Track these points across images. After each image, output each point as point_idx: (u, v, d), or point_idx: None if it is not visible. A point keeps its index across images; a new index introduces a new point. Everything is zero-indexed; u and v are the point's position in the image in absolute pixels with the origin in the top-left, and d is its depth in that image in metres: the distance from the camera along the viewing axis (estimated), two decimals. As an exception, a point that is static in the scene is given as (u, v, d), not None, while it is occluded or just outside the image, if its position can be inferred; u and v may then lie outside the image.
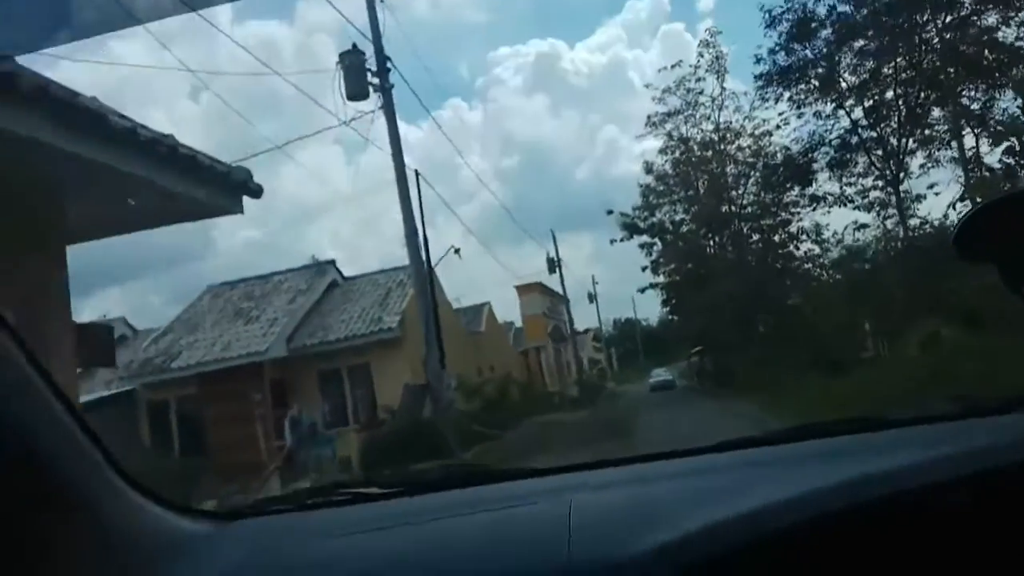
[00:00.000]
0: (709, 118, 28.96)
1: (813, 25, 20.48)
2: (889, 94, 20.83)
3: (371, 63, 14.12)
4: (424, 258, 15.82)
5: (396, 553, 1.15)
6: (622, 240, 31.05)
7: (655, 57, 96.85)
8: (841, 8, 19.83)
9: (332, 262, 21.51)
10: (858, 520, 1.00)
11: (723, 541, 0.99)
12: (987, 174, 15.95)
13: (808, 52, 21.17)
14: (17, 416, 0.98)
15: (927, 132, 20.81)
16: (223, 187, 4.93)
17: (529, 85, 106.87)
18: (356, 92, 13.96)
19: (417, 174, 15.69)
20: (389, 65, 14.11)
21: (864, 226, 22.69)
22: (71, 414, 1.06)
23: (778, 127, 24.70)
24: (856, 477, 1.03)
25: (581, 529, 1.06)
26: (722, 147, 29.22)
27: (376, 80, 14.03)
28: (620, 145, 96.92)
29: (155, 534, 1.18)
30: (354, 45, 14.19)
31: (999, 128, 15.64)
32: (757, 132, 27.24)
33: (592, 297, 55.21)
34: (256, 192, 5.10)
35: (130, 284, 51.34)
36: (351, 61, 13.89)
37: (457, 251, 18.65)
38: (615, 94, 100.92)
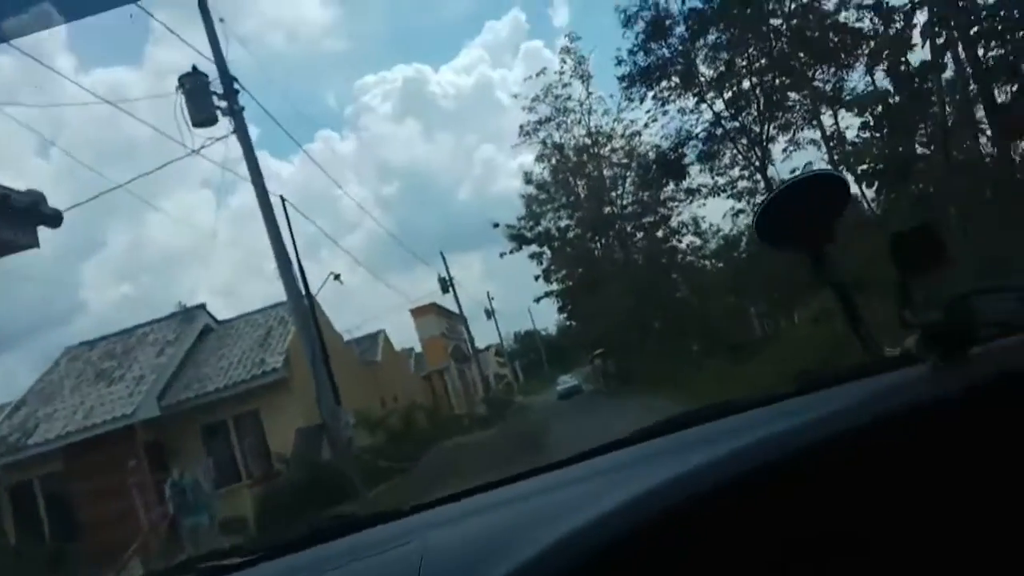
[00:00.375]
0: (580, 123, 29.44)
1: (667, 23, 21.00)
2: (746, 84, 21.59)
3: (217, 86, 13.01)
4: (303, 290, 14.83)
5: None
6: (512, 252, 31.28)
7: (520, 75, 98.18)
8: (692, 3, 20.42)
9: (202, 306, 19.96)
10: (699, 509, 0.98)
11: (574, 552, 0.96)
12: (849, 148, 16.70)
13: (665, 50, 21.68)
14: None
15: (786, 117, 21.70)
16: (5, 216, 3.93)
17: (399, 111, 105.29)
18: (203, 118, 12.79)
19: (283, 200, 14.74)
20: (237, 86, 13.04)
21: (741, 211, 23.41)
22: None
23: (646, 126, 25.16)
24: (691, 468, 1.03)
25: (435, 567, 1.05)
26: (596, 150, 29.72)
27: (224, 104, 12.91)
28: (497, 163, 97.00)
29: None
30: (194, 67, 13.00)
31: (853, 105, 16.42)
32: (627, 132, 27.85)
33: (489, 313, 54.86)
34: (53, 219, 4.14)
35: (-10, 360, 46.29)
36: (192, 84, 12.69)
37: (337, 277, 17.75)
38: (486, 114, 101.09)
